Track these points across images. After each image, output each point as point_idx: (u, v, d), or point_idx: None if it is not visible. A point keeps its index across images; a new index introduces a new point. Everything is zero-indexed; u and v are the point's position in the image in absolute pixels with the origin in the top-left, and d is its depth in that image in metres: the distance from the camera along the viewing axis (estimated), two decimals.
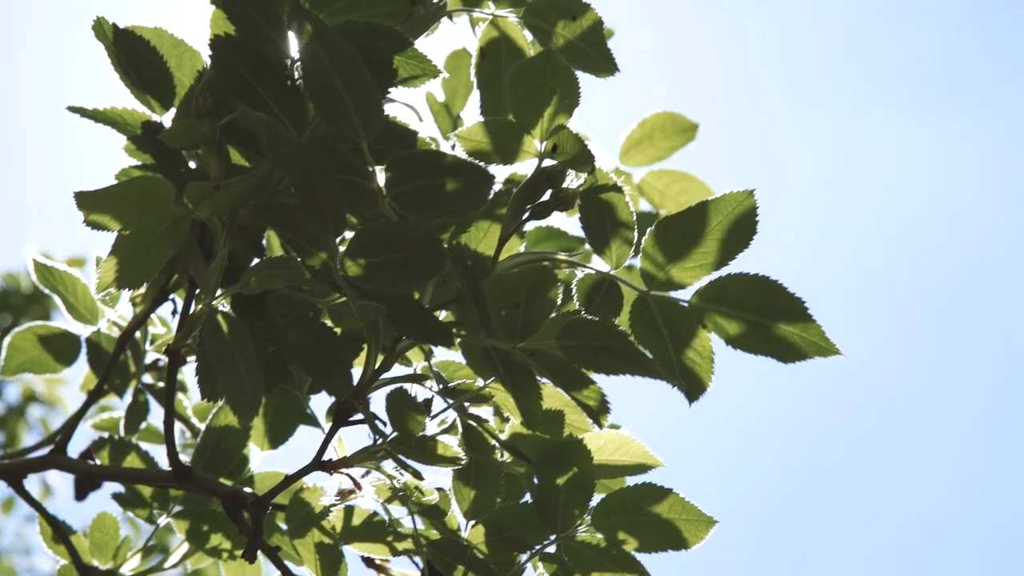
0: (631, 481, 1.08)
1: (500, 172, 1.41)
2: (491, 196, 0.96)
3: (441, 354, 1.15)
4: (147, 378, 1.41)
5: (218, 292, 1.03)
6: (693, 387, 1.00)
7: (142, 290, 1.25)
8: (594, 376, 1.01)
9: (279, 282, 0.98)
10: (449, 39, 1.35)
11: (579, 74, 1.08)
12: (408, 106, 1.14)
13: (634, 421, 1.19)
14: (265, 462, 1.28)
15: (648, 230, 0.99)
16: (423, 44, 1.13)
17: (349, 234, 0.99)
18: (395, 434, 1.02)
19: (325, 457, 1.09)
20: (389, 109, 1.10)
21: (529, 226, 1.10)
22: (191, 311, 1.06)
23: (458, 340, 1.04)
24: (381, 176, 0.98)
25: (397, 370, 1.13)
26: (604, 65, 1.08)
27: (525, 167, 1.10)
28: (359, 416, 1.04)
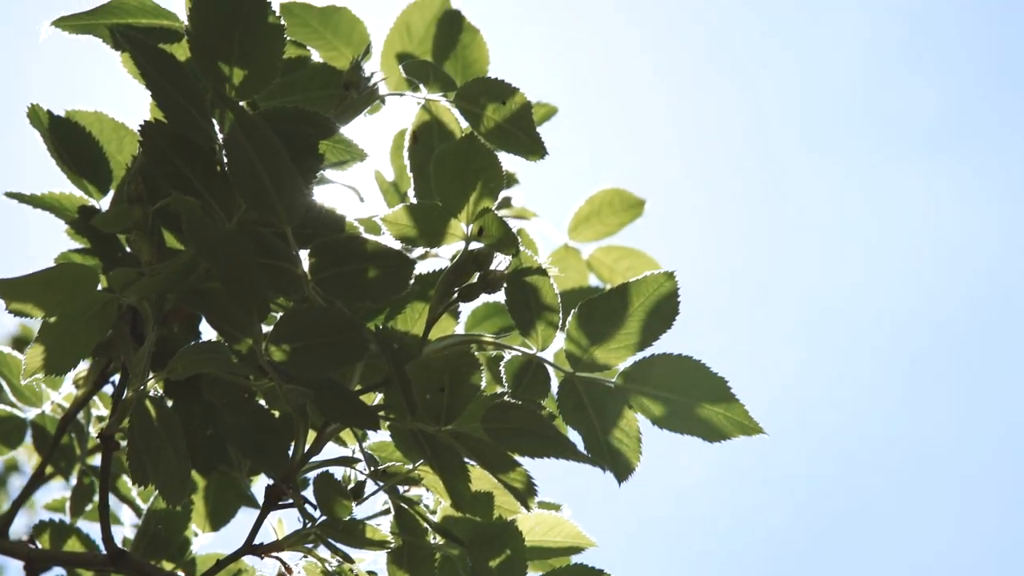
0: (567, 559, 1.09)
1: (447, 250, 1.42)
2: (412, 280, 0.97)
3: (378, 435, 1.15)
4: (97, 458, 1.41)
5: (150, 377, 1.03)
6: (621, 467, 1.00)
7: (84, 372, 1.25)
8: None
9: (205, 367, 0.99)
10: (397, 117, 1.36)
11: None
12: (350, 187, 1.15)
13: (581, 497, 1.19)
14: (211, 544, 1.28)
15: (572, 311, 1.00)
16: (365, 123, 1.15)
17: None
18: (324, 518, 1.02)
19: (264, 540, 1.09)
20: (329, 191, 1.11)
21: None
22: (124, 396, 1.06)
23: (387, 423, 1.04)
24: (307, 260, 0.98)
25: (334, 451, 1.14)
26: (533, 148, 1.09)
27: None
28: (290, 500, 1.04)
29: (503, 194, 1.56)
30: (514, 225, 1.53)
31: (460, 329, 1.27)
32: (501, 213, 1.55)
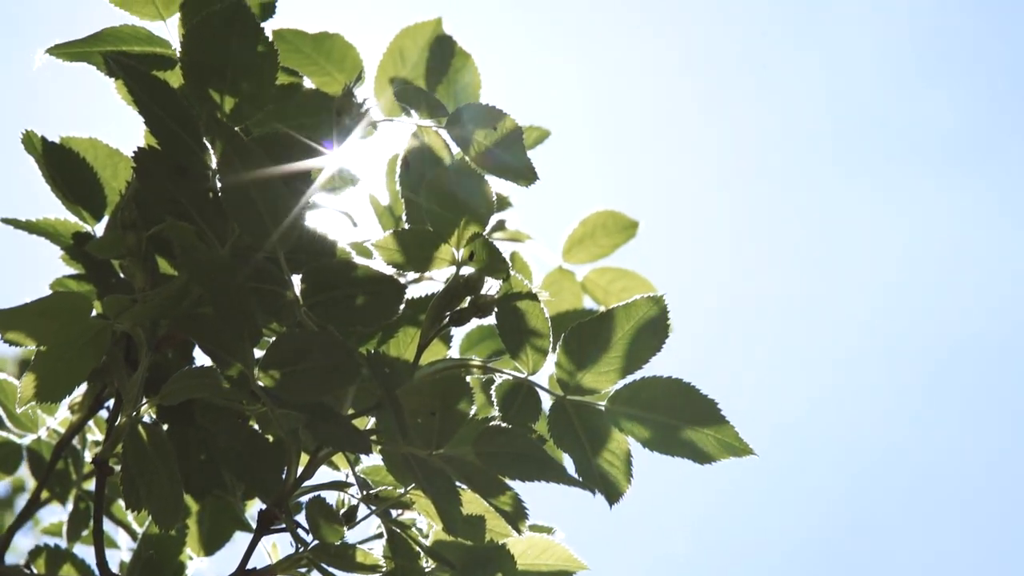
0: None
1: (441, 273, 1.43)
2: (403, 305, 0.97)
3: (372, 459, 1.16)
4: (93, 483, 1.41)
5: (143, 402, 1.04)
6: (611, 490, 1.01)
7: (79, 398, 1.26)
8: None
9: (196, 392, 0.99)
10: (392, 141, 1.37)
11: None
12: (344, 212, 1.16)
13: (577, 519, 1.20)
14: (205, 568, 1.28)
15: (561, 336, 1.01)
16: (360, 147, 1.16)
17: None
18: (317, 542, 1.02)
19: (258, 564, 1.09)
20: (323, 216, 1.12)
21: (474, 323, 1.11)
22: (117, 422, 1.07)
23: (379, 447, 1.05)
24: (299, 285, 0.99)
25: (327, 474, 1.14)
26: (523, 173, 1.09)
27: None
28: (282, 524, 1.04)
29: (497, 217, 1.58)
30: (508, 248, 1.55)
31: (455, 352, 1.28)
32: (496, 236, 1.56)
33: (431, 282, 1.38)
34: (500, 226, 1.58)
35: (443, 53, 1.35)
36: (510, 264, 1.40)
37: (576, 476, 1.02)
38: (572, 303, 1.54)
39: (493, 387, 1.04)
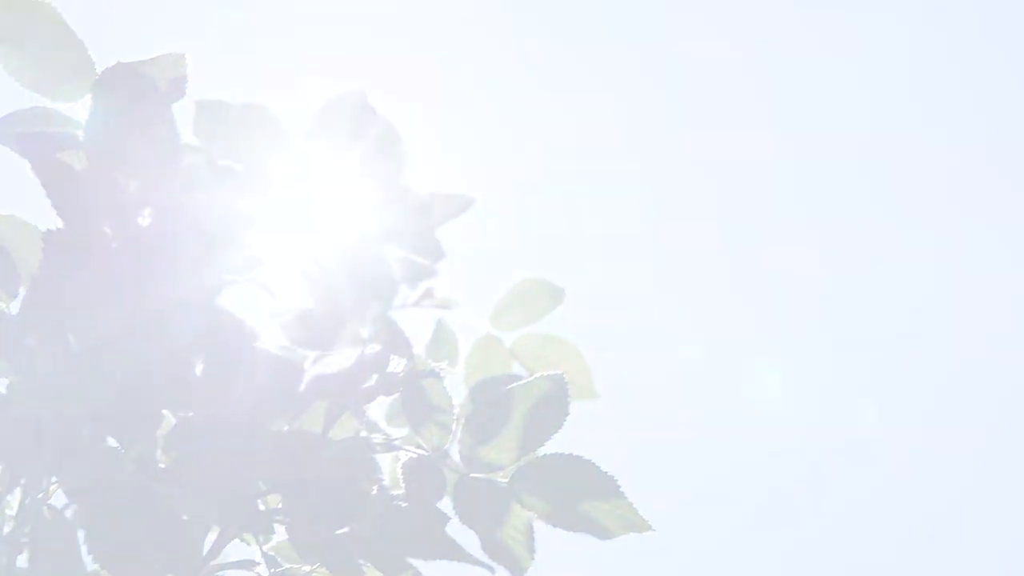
0: None
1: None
2: (304, 386, 0.98)
3: (283, 534, 1.16)
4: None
5: (52, 482, 1.05)
6: (515, 565, 1.02)
7: None
8: None
9: (100, 475, 1.00)
10: None
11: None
12: (262, 285, 1.17)
13: None
14: None
15: (464, 414, 1.02)
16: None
17: None
18: None
19: None
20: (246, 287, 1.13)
21: None
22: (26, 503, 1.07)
23: (283, 526, 1.05)
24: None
25: (240, 548, 1.14)
26: (429, 251, 1.11)
27: None
28: None
29: (425, 285, 1.59)
30: (435, 316, 1.55)
31: (381, 421, 1.29)
32: (424, 304, 1.57)
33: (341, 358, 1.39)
34: (428, 294, 1.59)
35: (368, 123, 1.37)
36: (436, 331, 1.41)
37: (482, 551, 1.03)
38: (500, 369, 1.55)
39: (399, 464, 1.05)
